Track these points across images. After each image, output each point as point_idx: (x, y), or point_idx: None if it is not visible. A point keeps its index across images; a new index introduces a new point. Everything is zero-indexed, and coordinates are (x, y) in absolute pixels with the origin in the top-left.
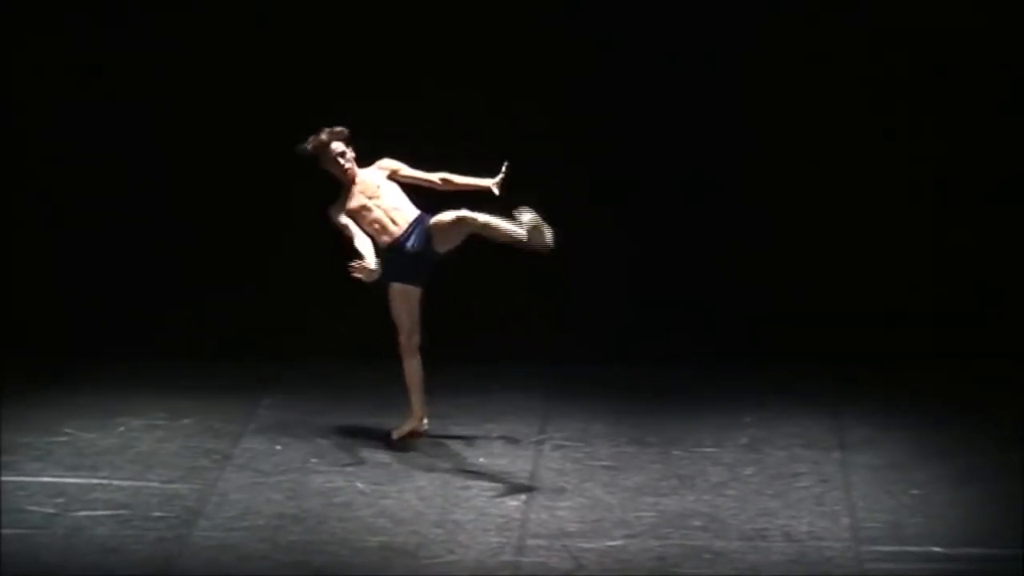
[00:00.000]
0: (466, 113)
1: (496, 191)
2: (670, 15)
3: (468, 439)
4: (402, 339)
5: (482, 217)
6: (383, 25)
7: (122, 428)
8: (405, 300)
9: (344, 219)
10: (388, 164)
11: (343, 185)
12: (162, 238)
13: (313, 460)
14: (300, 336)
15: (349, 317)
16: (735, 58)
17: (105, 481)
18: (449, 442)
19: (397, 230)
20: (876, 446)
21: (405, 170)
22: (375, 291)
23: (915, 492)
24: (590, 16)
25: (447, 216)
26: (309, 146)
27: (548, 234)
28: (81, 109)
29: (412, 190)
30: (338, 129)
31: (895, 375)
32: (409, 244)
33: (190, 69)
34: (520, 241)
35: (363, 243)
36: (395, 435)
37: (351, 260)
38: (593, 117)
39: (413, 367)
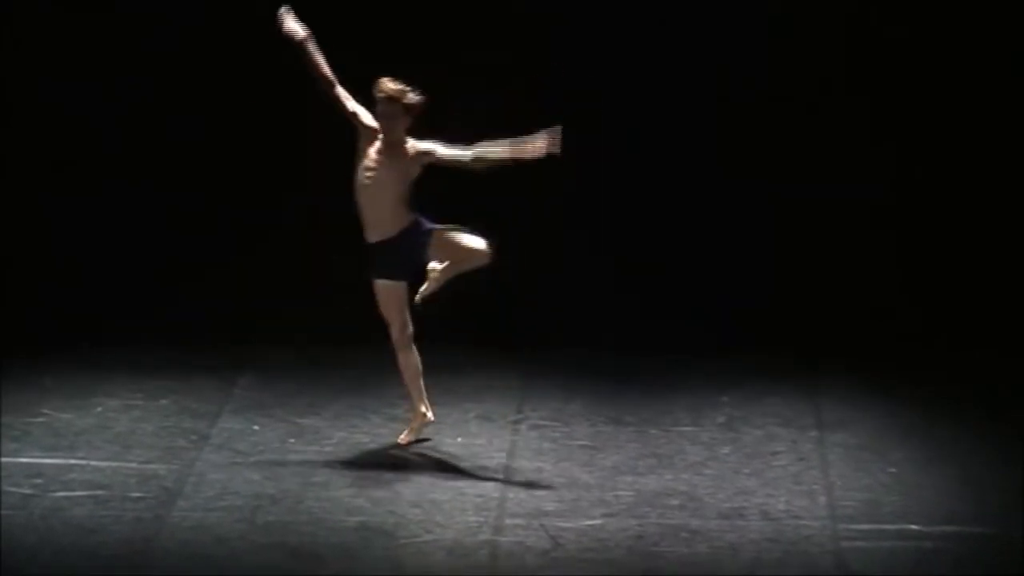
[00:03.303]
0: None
1: (553, 150)
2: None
3: (445, 419)
4: (394, 334)
5: (482, 248)
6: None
7: (99, 409)
8: (392, 296)
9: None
10: (422, 147)
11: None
12: (140, 221)
13: (290, 440)
14: (276, 317)
15: (325, 299)
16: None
17: (83, 462)
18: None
19: (390, 230)
20: (853, 425)
21: (441, 150)
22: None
23: (891, 471)
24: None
25: (460, 238)
26: (396, 90)
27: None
28: (66, 92)
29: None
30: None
31: (871, 355)
32: (402, 246)
33: (175, 61)
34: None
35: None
36: (403, 440)
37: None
38: (578, 97)
39: (410, 361)
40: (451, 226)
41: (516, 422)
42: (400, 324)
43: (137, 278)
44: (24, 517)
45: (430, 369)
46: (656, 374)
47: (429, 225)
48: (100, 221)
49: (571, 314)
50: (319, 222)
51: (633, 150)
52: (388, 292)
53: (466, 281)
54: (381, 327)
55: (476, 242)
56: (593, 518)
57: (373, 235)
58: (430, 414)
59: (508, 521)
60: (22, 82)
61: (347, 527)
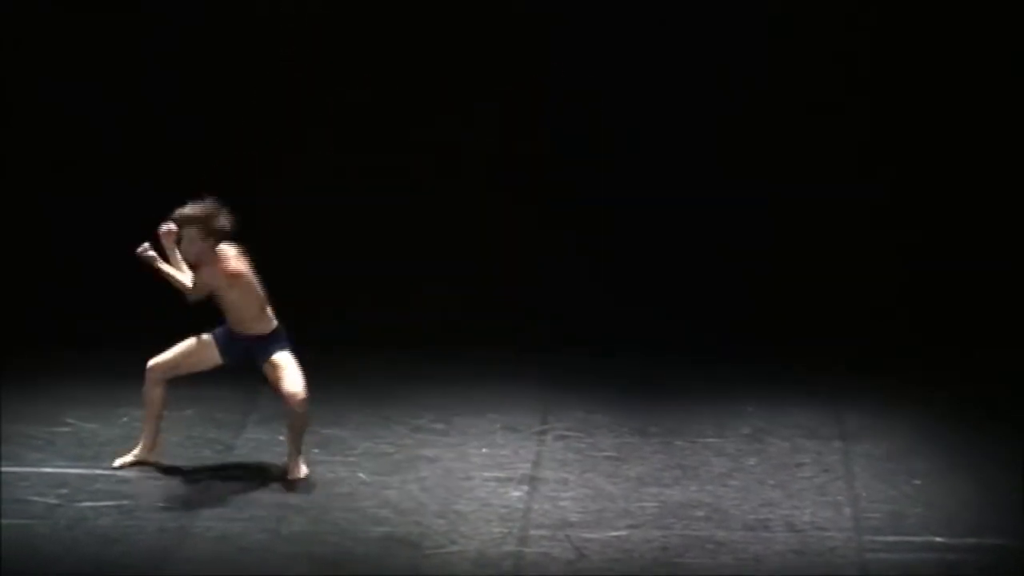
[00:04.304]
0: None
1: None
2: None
3: (470, 429)
4: (160, 367)
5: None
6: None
7: (124, 419)
8: (203, 354)
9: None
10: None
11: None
12: (140, 222)
13: (315, 451)
14: (301, 327)
15: (350, 308)
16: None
17: (107, 472)
18: (451, 432)
19: (247, 331)
20: (877, 436)
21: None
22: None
23: (916, 482)
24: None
25: (285, 374)
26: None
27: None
28: (66, 93)
29: None
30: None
31: (896, 365)
32: (252, 345)
33: (175, 61)
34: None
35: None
36: (119, 462)
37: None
38: (578, 97)
39: (156, 396)
40: (289, 360)
41: (541, 433)
42: (172, 366)
43: (163, 287)
44: (49, 527)
45: (456, 379)
46: (680, 384)
47: (281, 344)
48: (125, 228)
49: (595, 324)
50: (322, 224)
51: (650, 153)
52: (204, 349)
53: (490, 290)
54: (407, 335)
55: (296, 386)
56: (618, 529)
57: (236, 327)
58: (152, 455)
59: (533, 532)
60: (22, 82)
61: (372, 538)
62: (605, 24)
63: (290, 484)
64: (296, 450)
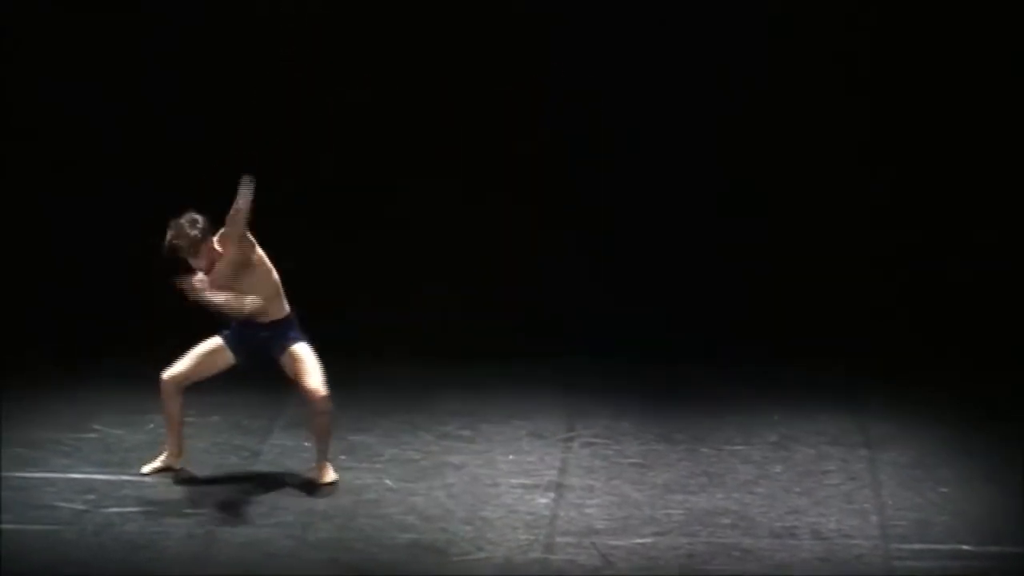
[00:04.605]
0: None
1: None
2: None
3: (496, 436)
4: (174, 378)
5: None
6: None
7: (151, 425)
8: (217, 358)
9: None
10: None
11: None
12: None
13: (342, 457)
14: (327, 334)
15: (373, 315)
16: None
17: (134, 478)
18: (478, 439)
19: (274, 315)
20: (903, 444)
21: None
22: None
23: (943, 490)
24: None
25: (307, 369)
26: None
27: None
28: (66, 93)
29: None
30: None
31: (921, 373)
32: (264, 335)
33: (175, 61)
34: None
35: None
36: (147, 469)
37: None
38: (578, 97)
39: (174, 407)
40: (308, 352)
41: (567, 440)
42: (186, 375)
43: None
44: (76, 533)
45: (482, 386)
46: (706, 391)
47: (296, 333)
48: (100, 221)
49: (621, 331)
50: (325, 225)
51: (670, 162)
52: (216, 353)
53: (515, 297)
54: (431, 342)
55: (316, 382)
56: (644, 536)
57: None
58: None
59: (559, 539)
60: (22, 82)
61: (398, 544)
62: (605, 24)
63: (319, 489)
64: (323, 453)
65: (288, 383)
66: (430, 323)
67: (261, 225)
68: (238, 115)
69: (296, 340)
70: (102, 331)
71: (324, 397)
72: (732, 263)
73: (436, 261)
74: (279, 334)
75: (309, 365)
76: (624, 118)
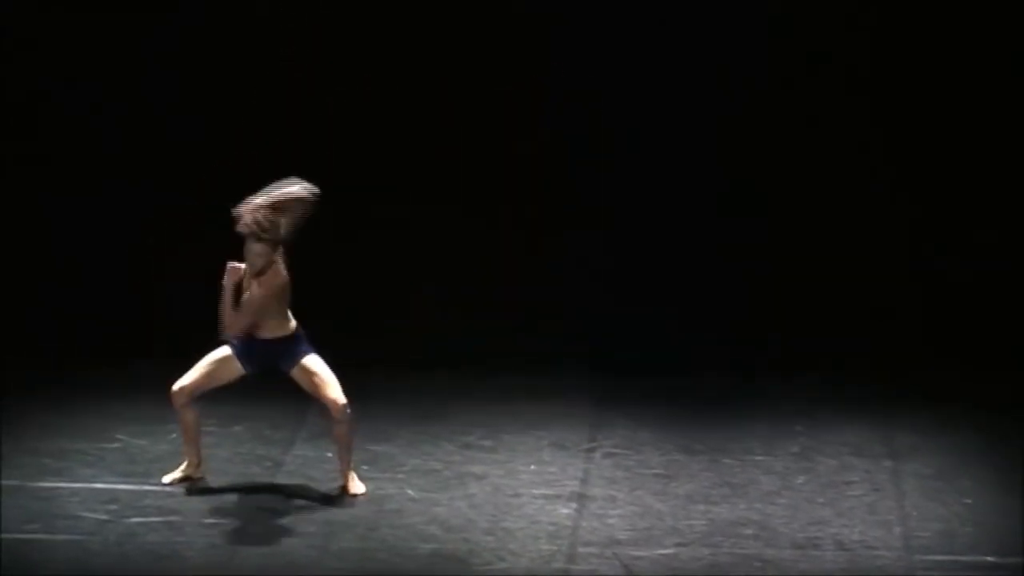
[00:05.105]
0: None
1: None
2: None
3: (519, 447)
4: (184, 391)
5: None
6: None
7: (174, 435)
8: (225, 369)
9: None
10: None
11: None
12: (212, 244)
13: (364, 467)
14: (348, 344)
15: (394, 325)
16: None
17: (157, 488)
18: (499, 449)
19: (278, 331)
20: (927, 454)
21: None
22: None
23: (967, 501)
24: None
25: (325, 380)
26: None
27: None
28: (66, 93)
29: None
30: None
31: (945, 383)
32: (274, 349)
33: (175, 61)
34: None
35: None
36: (167, 479)
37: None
38: (578, 97)
39: (189, 417)
40: (320, 363)
41: (589, 450)
42: (196, 387)
43: (212, 304)
44: (99, 543)
45: (504, 396)
46: (727, 402)
47: (305, 347)
48: (100, 221)
49: (642, 343)
50: (324, 225)
51: (682, 173)
52: (224, 364)
53: (536, 307)
54: (454, 351)
55: (335, 391)
56: (666, 547)
57: (256, 331)
58: (198, 471)
59: (581, 550)
60: (22, 82)
61: (420, 555)
62: (605, 24)
63: (341, 499)
64: (347, 464)
65: (306, 396)
66: (450, 332)
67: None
68: (238, 115)
69: (306, 353)
70: (102, 331)
71: (344, 407)
72: (732, 263)
73: (442, 266)
74: (286, 350)
75: (324, 376)
76: (624, 118)
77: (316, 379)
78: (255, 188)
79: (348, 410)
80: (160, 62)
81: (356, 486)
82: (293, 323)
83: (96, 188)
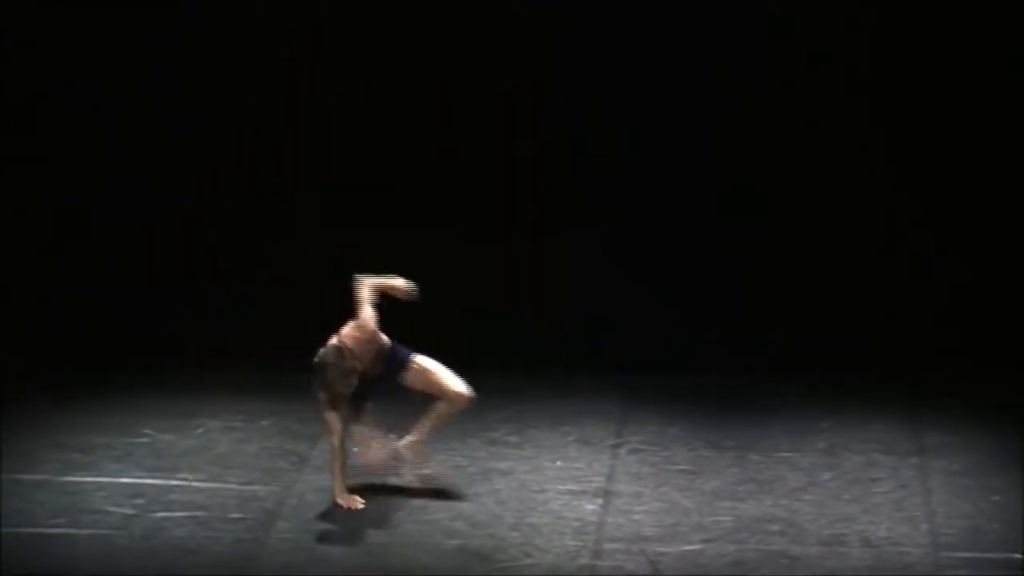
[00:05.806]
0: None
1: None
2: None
3: (544, 442)
4: (334, 441)
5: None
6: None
7: (200, 430)
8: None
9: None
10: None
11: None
12: (241, 241)
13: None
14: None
15: (419, 322)
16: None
17: (183, 482)
18: (525, 445)
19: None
20: (954, 451)
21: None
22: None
23: (994, 498)
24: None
25: (440, 375)
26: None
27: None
28: (66, 93)
29: None
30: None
31: (973, 380)
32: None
33: (175, 61)
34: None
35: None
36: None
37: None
38: (578, 97)
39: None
40: (430, 361)
41: (615, 446)
42: (339, 427)
43: (239, 300)
44: (125, 537)
45: (530, 393)
46: (754, 399)
47: (404, 350)
48: (100, 221)
49: (668, 337)
50: (326, 226)
51: (701, 177)
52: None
53: (563, 305)
54: (480, 350)
55: (460, 385)
56: (692, 543)
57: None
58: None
59: (607, 546)
60: (22, 82)
61: (446, 550)
62: (605, 24)
63: (394, 481)
64: (422, 437)
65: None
66: (476, 330)
67: (266, 226)
68: (238, 115)
69: (408, 354)
70: (102, 332)
71: (471, 398)
72: (732, 263)
73: (451, 265)
74: (389, 363)
75: (440, 372)
76: (624, 118)
77: (433, 377)
78: (255, 188)
79: (472, 400)
80: (160, 62)
81: (425, 455)
82: (384, 338)
83: (96, 188)
